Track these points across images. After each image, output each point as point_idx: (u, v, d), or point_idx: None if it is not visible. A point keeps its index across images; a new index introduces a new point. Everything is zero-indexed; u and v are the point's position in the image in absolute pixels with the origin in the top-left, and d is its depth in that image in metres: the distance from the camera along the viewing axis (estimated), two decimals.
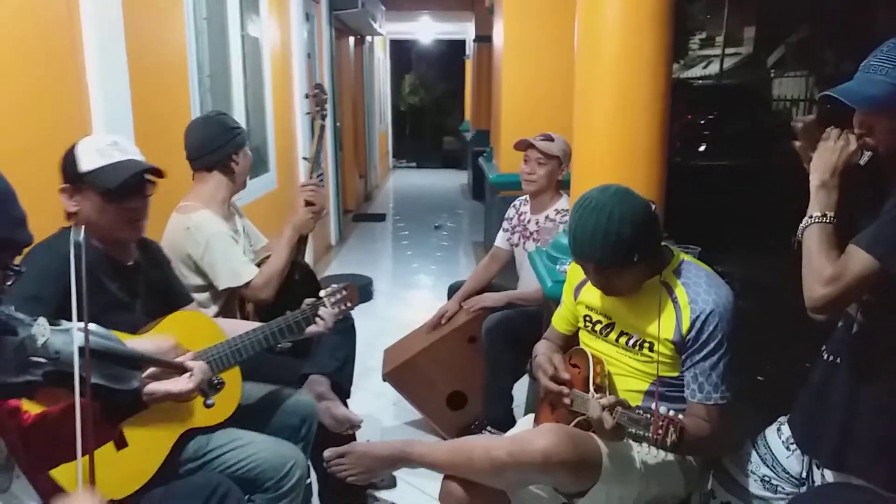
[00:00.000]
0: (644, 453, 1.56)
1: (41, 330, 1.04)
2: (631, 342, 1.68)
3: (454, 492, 1.65)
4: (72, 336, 1.04)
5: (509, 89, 4.71)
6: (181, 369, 1.33)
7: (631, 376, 1.70)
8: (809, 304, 1.34)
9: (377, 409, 3.27)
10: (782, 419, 1.64)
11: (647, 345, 1.65)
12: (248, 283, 2.14)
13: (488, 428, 2.78)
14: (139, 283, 1.72)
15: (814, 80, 13.76)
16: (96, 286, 1.59)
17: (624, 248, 1.54)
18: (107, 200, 1.60)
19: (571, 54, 2.31)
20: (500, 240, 3.09)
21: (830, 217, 1.38)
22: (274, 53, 4.60)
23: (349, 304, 1.95)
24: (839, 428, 1.43)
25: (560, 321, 1.94)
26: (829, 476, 1.48)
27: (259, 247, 2.43)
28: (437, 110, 18.69)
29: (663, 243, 1.70)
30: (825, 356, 1.50)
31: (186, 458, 1.65)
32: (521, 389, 2.91)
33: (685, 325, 1.59)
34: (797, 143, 1.48)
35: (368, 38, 10.42)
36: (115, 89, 2.26)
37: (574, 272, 1.86)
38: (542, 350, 1.89)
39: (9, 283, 1.03)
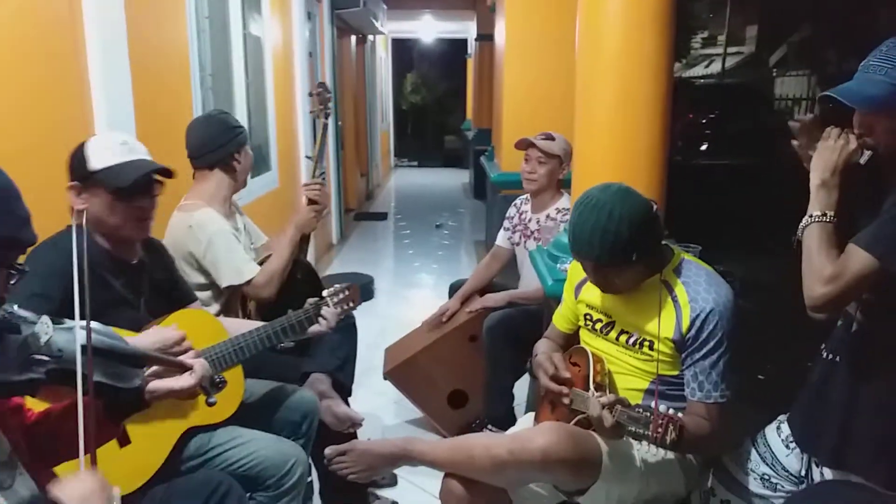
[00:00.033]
0: (644, 451, 1.57)
1: (44, 328, 1.05)
2: (631, 341, 1.69)
3: (455, 490, 1.65)
4: (75, 334, 1.05)
5: (511, 88, 4.72)
6: (183, 367, 1.34)
7: (631, 375, 1.70)
8: (809, 303, 1.35)
9: (378, 408, 3.28)
10: (782, 418, 1.64)
11: (647, 343, 1.66)
12: (249, 281, 2.15)
13: (489, 426, 2.79)
14: (143, 281, 1.73)
15: (816, 79, 13.74)
16: (101, 284, 1.60)
17: (622, 248, 1.54)
18: (116, 199, 1.61)
19: (573, 53, 2.32)
20: (501, 239, 3.10)
21: (830, 216, 1.38)
22: (276, 52, 4.60)
23: (351, 304, 1.96)
24: (838, 426, 1.43)
25: (560, 320, 1.94)
26: (829, 474, 1.48)
27: (259, 244, 2.44)
28: (439, 109, 18.67)
29: (664, 242, 1.70)
30: (825, 355, 1.50)
31: (188, 455, 1.66)
32: (521, 388, 2.92)
33: (685, 324, 1.59)
34: (795, 143, 1.48)
35: (370, 36, 10.42)
36: (117, 88, 2.27)
37: (575, 271, 1.86)
38: (543, 349, 1.90)
39: (12, 281, 1.03)
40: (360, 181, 9.47)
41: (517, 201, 3.09)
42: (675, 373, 1.66)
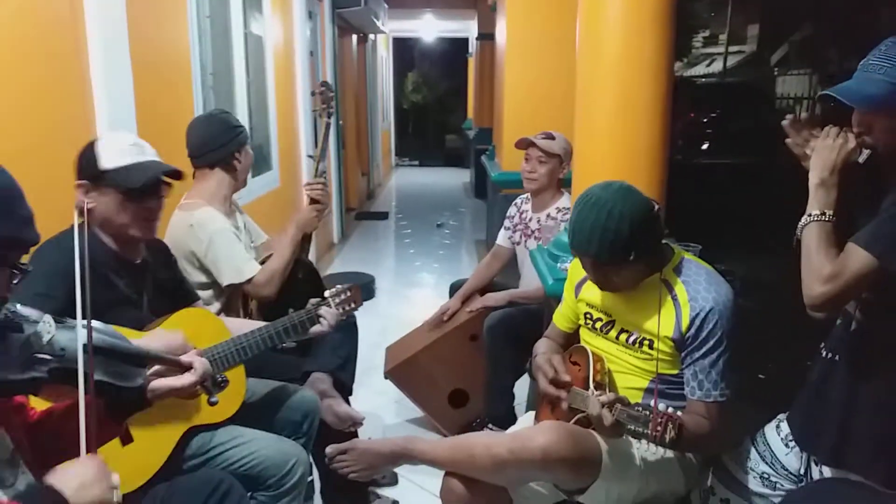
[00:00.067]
0: (643, 450, 1.57)
1: (46, 327, 1.05)
2: (631, 339, 1.69)
3: (455, 488, 1.66)
4: (77, 333, 1.05)
5: (512, 87, 4.72)
6: (184, 367, 1.35)
7: (631, 374, 1.71)
8: (808, 302, 1.35)
9: (379, 407, 3.28)
10: (781, 417, 1.64)
11: (646, 342, 1.66)
12: (250, 280, 2.15)
13: (489, 426, 2.80)
14: (147, 280, 1.74)
15: (817, 78, 13.74)
16: (105, 283, 1.61)
17: (621, 246, 1.55)
18: (127, 199, 1.62)
19: (573, 53, 2.32)
20: (502, 238, 3.10)
21: (829, 215, 1.38)
22: (277, 51, 4.61)
23: (353, 305, 1.97)
24: (838, 425, 1.44)
25: (561, 319, 1.95)
26: (828, 473, 1.49)
27: (259, 243, 2.44)
28: (440, 108, 18.66)
29: (664, 241, 1.71)
30: (824, 353, 1.51)
31: (190, 454, 1.67)
32: (522, 387, 2.92)
33: (685, 323, 1.60)
34: (789, 140, 1.48)
35: (371, 36, 10.42)
36: (118, 88, 2.27)
37: (575, 270, 1.87)
38: (543, 349, 1.90)
39: (15, 281, 1.04)
40: (361, 180, 9.47)
41: (518, 200, 3.09)
42: (675, 372, 1.66)
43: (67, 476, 1.03)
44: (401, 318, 4.38)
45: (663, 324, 1.61)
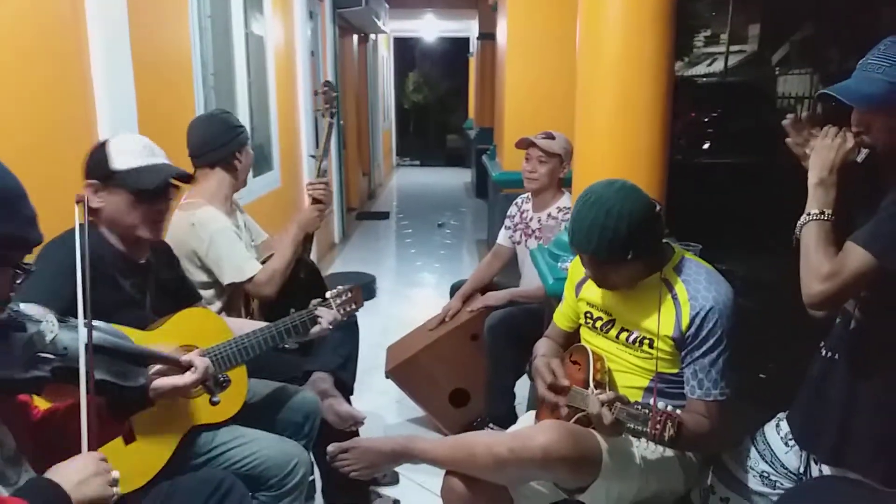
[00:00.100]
0: (643, 449, 1.58)
1: (49, 326, 1.06)
2: (631, 339, 1.70)
3: (456, 487, 1.66)
4: (79, 332, 1.06)
5: (512, 87, 4.72)
6: (186, 366, 1.35)
7: (631, 373, 1.71)
8: (807, 301, 1.36)
9: (380, 407, 3.29)
10: (781, 416, 1.65)
11: (647, 341, 1.67)
12: (251, 279, 2.16)
13: (490, 425, 2.80)
14: (150, 280, 1.75)
15: (818, 77, 13.74)
16: (111, 284, 1.62)
17: (619, 245, 1.55)
18: (137, 200, 1.64)
19: (574, 52, 2.32)
20: (503, 237, 3.11)
21: (828, 214, 1.39)
22: (278, 51, 4.61)
23: (354, 307, 1.98)
24: (837, 424, 1.44)
25: (561, 318, 1.95)
26: (827, 471, 1.49)
27: (259, 241, 2.45)
28: (441, 108, 18.66)
29: (664, 241, 1.71)
30: (823, 352, 1.51)
31: (192, 454, 1.67)
32: (523, 387, 2.93)
33: (685, 322, 1.60)
34: (789, 140, 1.49)
35: (372, 35, 10.42)
36: (119, 88, 2.28)
37: (575, 269, 1.87)
38: (543, 350, 1.91)
39: (19, 281, 1.04)
40: (363, 180, 9.48)
41: (518, 200, 3.10)
42: (675, 371, 1.66)
43: (68, 471, 1.04)
44: (402, 317, 4.38)
45: (663, 323, 1.62)
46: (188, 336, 1.67)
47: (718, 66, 17.67)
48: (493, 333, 2.76)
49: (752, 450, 1.65)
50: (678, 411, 1.40)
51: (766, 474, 1.61)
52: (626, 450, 1.64)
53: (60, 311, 1.05)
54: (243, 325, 1.91)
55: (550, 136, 2.86)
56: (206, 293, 2.15)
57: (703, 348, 1.59)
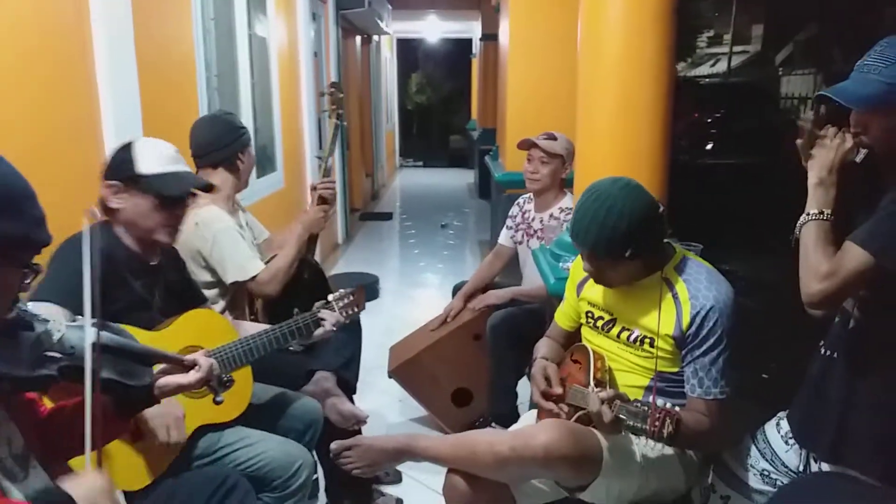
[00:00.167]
0: (643, 447, 1.59)
1: (56, 325, 1.08)
2: (632, 338, 1.71)
3: (457, 485, 1.67)
4: (86, 332, 1.07)
5: (515, 88, 4.73)
6: (190, 365, 1.37)
7: (632, 372, 1.72)
8: (806, 300, 1.37)
9: (383, 406, 3.30)
10: (781, 414, 1.66)
11: (647, 340, 1.68)
12: (254, 278, 2.18)
13: (493, 424, 2.81)
14: (159, 282, 1.77)
15: (822, 77, 13.72)
16: (122, 285, 1.64)
17: (618, 243, 1.57)
18: (160, 205, 1.67)
19: (576, 53, 2.33)
20: (504, 237, 3.12)
21: (828, 214, 1.39)
22: (281, 53, 4.63)
23: (356, 309, 2.00)
24: (836, 422, 1.45)
25: (563, 317, 1.97)
26: (827, 469, 1.50)
27: (261, 240, 2.47)
28: (444, 109, 18.68)
29: (665, 240, 1.72)
30: (822, 351, 1.52)
31: (198, 454, 1.69)
32: (525, 386, 2.93)
33: (685, 321, 1.61)
34: (799, 142, 1.49)
35: (375, 37, 10.44)
36: (124, 89, 2.30)
37: (577, 269, 1.88)
38: (543, 351, 1.92)
39: (27, 280, 1.06)
40: (366, 181, 9.50)
41: (520, 200, 3.11)
42: (675, 369, 1.67)
43: (76, 486, 1.06)
44: (405, 318, 4.39)
45: (664, 322, 1.63)
46: (194, 337, 1.69)
47: (722, 66, 17.64)
48: (496, 333, 2.77)
49: (753, 448, 1.66)
50: (677, 409, 1.41)
51: (766, 472, 1.62)
52: (626, 448, 1.65)
53: (77, 309, 1.06)
54: (248, 327, 1.93)
55: (552, 137, 2.87)
56: (210, 292, 2.17)
57: (704, 347, 1.60)
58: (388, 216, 8.77)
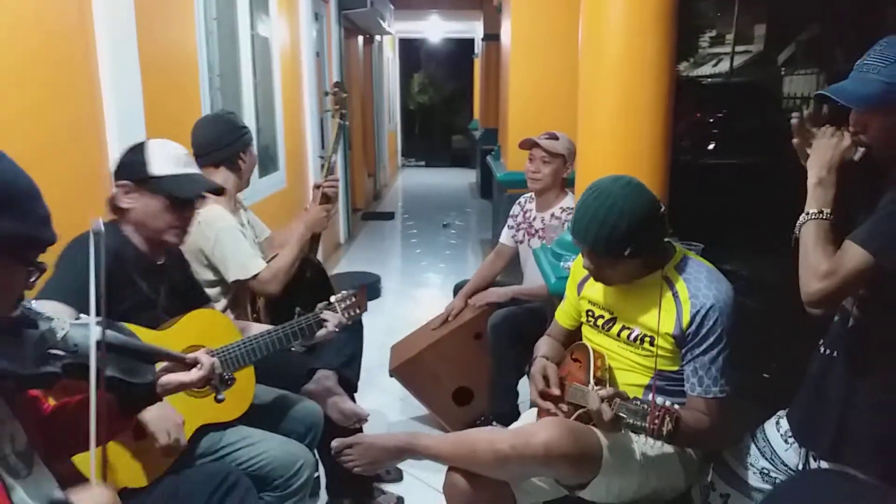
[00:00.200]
0: (642, 444, 1.60)
1: (60, 324, 1.09)
2: (632, 336, 1.71)
3: (458, 483, 1.68)
4: (90, 330, 1.08)
5: (517, 88, 4.73)
6: (192, 363, 1.38)
7: (632, 371, 1.73)
8: (805, 299, 1.37)
9: (384, 405, 3.31)
10: (781, 413, 1.66)
11: (647, 339, 1.68)
12: (255, 276, 2.19)
13: (493, 423, 2.81)
14: (164, 282, 1.78)
15: (824, 77, 13.69)
16: (130, 284, 1.66)
17: (617, 242, 1.57)
18: (171, 206, 1.69)
19: (578, 53, 2.34)
20: (505, 237, 3.12)
21: (827, 213, 1.40)
22: (283, 53, 4.64)
23: (358, 311, 2.02)
24: (835, 421, 1.45)
25: (563, 316, 1.97)
26: (826, 468, 1.50)
27: (263, 238, 2.48)
28: (446, 109, 18.69)
29: (666, 240, 1.73)
30: (822, 350, 1.52)
31: (200, 453, 1.70)
32: (526, 385, 2.93)
33: (685, 320, 1.61)
34: (795, 141, 1.50)
35: (377, 37, 10.45)
36: (127, 90, 2.31)
37: (577, 268, 1.89)
38: (544, 350, 1.92)
39: (32, 279, 1.07)
40: (368, 181, 9.51)
41: (521, 199, 3.11)
42: (675, 368, 1.68)
43: (83, 499, 1.07)
44: (407, 317, 4.40)
45: (664, 320, 1.63)
46: (197, 336, 1.70)
47: (724, 66, 17.60)
48: (497, 332, 2.78)
49: (753, 447, 1.66)
50: (676, 406, 1.42)
51: (765, 471, 1.62)
52: (626, 446, 1.65)
53: (84, 307, 1.07)
54: (251, 328, 1.94)
55: (554, 137, 2.88)
56: (212, 291, 2.18)
57: (704, 346, 1.61)
58: (390, 216, 8.78)
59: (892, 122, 1.35)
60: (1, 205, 0.98)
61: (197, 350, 1.51)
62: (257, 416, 1.85)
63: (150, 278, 1.72)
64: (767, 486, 1.62)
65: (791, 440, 1.60)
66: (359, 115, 8.70)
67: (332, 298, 1.98)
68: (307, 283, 2.37)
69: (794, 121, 1.48)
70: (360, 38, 9.04)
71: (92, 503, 1.07)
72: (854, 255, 1.30)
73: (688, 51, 17.81)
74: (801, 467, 1.57)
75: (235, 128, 2.29)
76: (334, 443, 1.78)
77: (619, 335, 1.74)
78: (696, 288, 1.63)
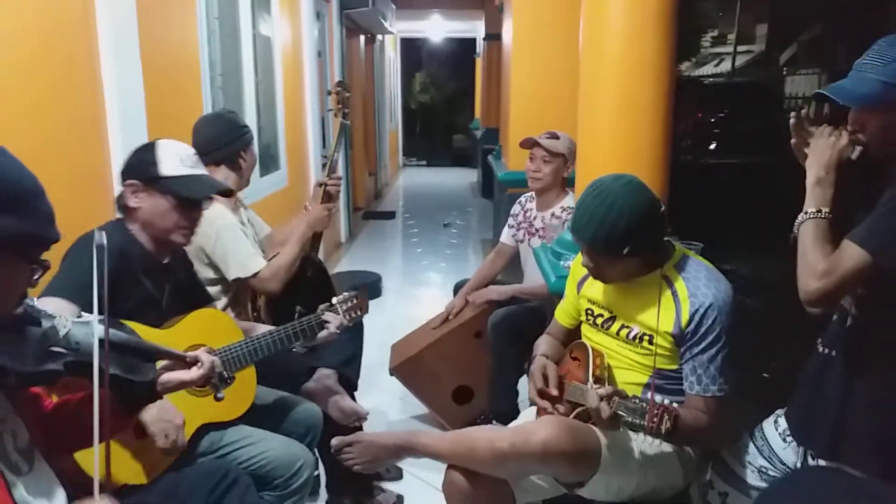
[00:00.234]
0: (641, 442, 1.60)
1: (63, 322, 1.09)
2: (631, 335, 1.72)
3: (457, 481, 1.68)
4: (92, 328, 1.09)
5: (518, 87, 4.73)
6: (192, 362, 1.38)
7: (631, 369, 1.73)
8: (803, 298, 1.37)
9: (384, 404, 3.32)
10: (779, 412, 1.66)
11: (646, 338, 1.69)
12: (256, 274, 2.20)
13: (493, 422, 2.82)
14: (168, 281, 1.79)
15: (826, 77, 13.68)
16: (135, 283, 1.66)
17: (616, 239, 1.58)
18: (179, 207, 1.70)
19: (579, 53, 2.34)
20: (506, 236, 3.13)
21: (825, 212, 1.40)
22: (285, 52, 4.65)
23: (360, 312, 2.03)
24: (833, 420, 1.45)
25: (562, 314, 1.98)
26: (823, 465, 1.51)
27: (263, 235, 2.49)
28: (448, 108, 18.70)
29: (666, 239, 1.73)
30: (820, 349, 1.52)
31: (201, 452, 1.70)
32: (525, 384, 2.94)
33: (684, 318, 1.62)
34: (793, 142, 1.50)
35: (379, 36, 10.46)
36: (129, 89, 2.31)
37: (577, 266, 1.90)
38: (543, 349, 1.93)
39: (36, 276, 1.07)
40: (369, 180, 9.52)
41: (522, 199, 3.12)
42: (674, 367, 1.68)
43: None
44: (407, 316, 4.40)
45: (663, 319, 1.64)
46: (200, 336, 1.70)
47: (726, 66, 17.60)
48: (497, 331, 2.78)
49: (751, 445, 1.67)
50: (675, 405, 1.42)
51: (764, 469, 1.63)
52: (624, 445, 1.66)
53: (89, 305, 1.08)
54: (253, 328, 1.95)
55: (555, 136, 2.88)
56: (213, 289, 2.19)
57: (703, 345, 1.61)
58: (391, 215, 8.79)
59: (890, 120, 1.35)
60: (6, 203, 0.98)
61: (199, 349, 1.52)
62: (258, 416, 1.86)
63: (154, 277, 1.73)
64: (765, 485, 1.62)
65: (789, 439, 1.60)
66: (360, 115, 8.70)
67: (334, 300, 1.99)
68: (308, 281, 2.38)
69: (792, 121, 1.49)
70: (362, 38, 9.05)
71: None
72: (852, 254, 1.31)
73: (690, 51, 17.80)
74: (799, 466, 1.58)
75: (236, 127, 2.30)
76: (334, 441, 1.79)
77: (618, 334, 1.75)
78: (696, 287, 1.64)
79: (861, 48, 1.41)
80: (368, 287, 2.10)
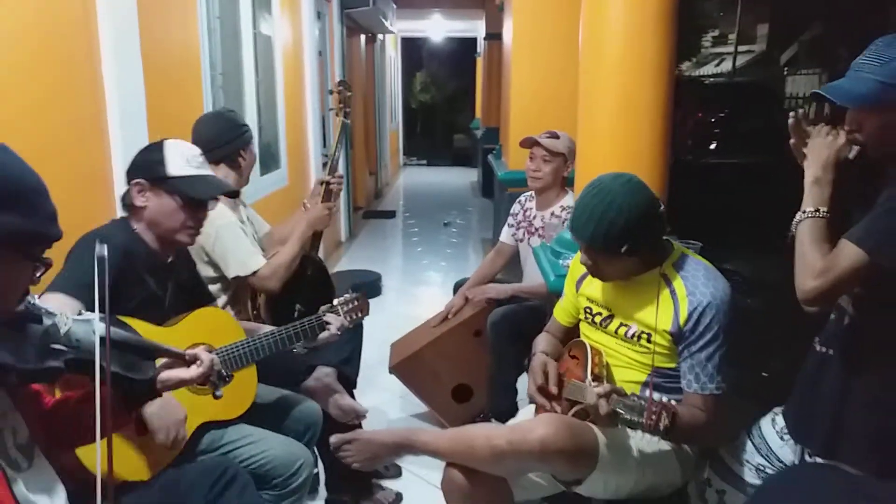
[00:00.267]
0: (639, 440, 1.61)
1: (63, 319, 1.10)
2: (629, 333, 1.72)
3: (455, 479, 1.69)
4: (93, 326, 1.10)
5: (518, 87, 4.74)
6: (191, 360, 1.39)
7: (629, 367, 1.74)
8: (801, 297, 1.38)
9: (383, 402, 3.32)
10: (777, 410, 1.67)
11: (645, 336, 1.69)
12: (255, 273, 2.20)
13: (492, 420, 2.82)
14: (172, 280, 1.80)
15: (827, 77, 13.67)
16: (138, 281, 1.67)
17: (615, 238, 1.59)
18: (185, 207, 1.71)
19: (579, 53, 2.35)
20: (506, 235, 3.13)
21: (823, 212, 1.41)
22: (286, 51, 4.65)
23: (360, 314, 2.04)
24: (830, 418, 1.46)
25: (561, 313, 1.98)
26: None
27: (262, 234, 2.50)
28: (448, 108, 18.70)
29: (665, 238, 1.74)
30: (818, 348, 1.53)
31: (201, 450, 1.71)
32: (525, 383, 2.94)
33: (682, 317, 1.63)
34: (792, 142, 1.51)
35: (380, 36, 10.46)
36: (129, 88, 2.32)
37: (576, 265, 1.90)
38: (542, 346, 1.93)
39: (38, 274, 1.08)
40: (369, 179, 9.52)
41: (522, 198, 3.12)
42: (672, 365, 1.69)
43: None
44: (407, 315, 4.40)
45: (661, 317, 1.64)
46: (202, 335, 1.71)
47: (726, 66, 17.58)
48: (496, 330, 2.78)
49: (749, 443, 1.67)
50: (673, 403, 1.43)
51: (761, 467, 1.63)
52: (623, 443, 1.66)
53: (92, 302, 1.09)
54: (255, 328, 1.96)
55: (554, 136, 2.89)
56: (212, 287, 2.20)
57: (701, 343, 1.62)
58: (391, 214, 8.79)
59: (887, 120, 1.36)
60: (8, 200, 0.99)
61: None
62: (258, 414, 1.86)
63: (158, 276, 1.74)
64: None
65: (787, 437, 1.61)
66: (361, 114, 8.71)
67: (335, 301, 2.00)
68: (308, 280, 2.39)
69: (790, 121, 1.49)
70: (363, 37, 9.05)
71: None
72: (849, 253, 1.31)
73: (690, 50, 17.79)
74: (796, 463, 1.58)
75: (236, 125, 2.31)
76: (333, 438, 1.80)
77: (616, 332, 1.75)
78: (694, 286, 1.64)
79: (862, 48, 1.41)
80: (368, 286, 2.11)
